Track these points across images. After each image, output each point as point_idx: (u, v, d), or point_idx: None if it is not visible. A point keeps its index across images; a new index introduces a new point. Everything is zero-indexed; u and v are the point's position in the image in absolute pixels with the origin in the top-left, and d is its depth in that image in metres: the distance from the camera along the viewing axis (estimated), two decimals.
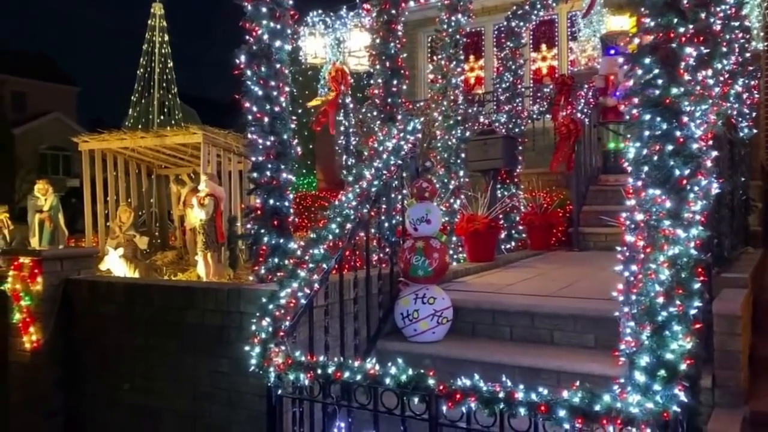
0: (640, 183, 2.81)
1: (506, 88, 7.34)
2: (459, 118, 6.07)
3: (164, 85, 12.50)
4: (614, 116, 7.85)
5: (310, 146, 11.99)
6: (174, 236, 10.20)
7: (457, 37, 6.04)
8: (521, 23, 7.32)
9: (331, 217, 3.62)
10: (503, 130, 7.29)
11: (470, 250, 5.76)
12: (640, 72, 2.81)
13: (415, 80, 11.77)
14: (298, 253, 3.44)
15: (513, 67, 7.35)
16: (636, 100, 2.91)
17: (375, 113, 5.12)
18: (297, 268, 3.36)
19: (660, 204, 2.70)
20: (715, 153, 2.87)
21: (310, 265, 3.37)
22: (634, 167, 2.92)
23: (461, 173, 6.02)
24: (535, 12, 7.34)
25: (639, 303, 2.72)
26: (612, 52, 7.80)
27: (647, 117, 2.80)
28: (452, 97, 6.00)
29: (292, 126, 4.19)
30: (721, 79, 4.12)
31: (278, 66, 3.93)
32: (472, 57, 11.71)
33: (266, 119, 3.92)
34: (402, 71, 5.15)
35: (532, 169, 8.18)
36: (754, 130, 5.90)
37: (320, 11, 6.79)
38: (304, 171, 12.18)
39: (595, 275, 5.19)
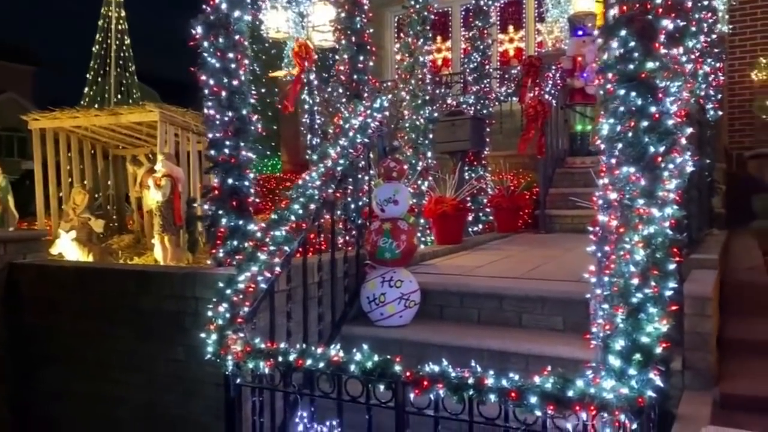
0: (613, 161, 2.72)
1: (474, 69, 7.22)
2: (427, 97, 5.94)
3: (121, 63, 12.03)
4: (581, 98, 7.82)
5: (275, 127, 11.72)
6: (132, 219, 9.86)
7: (425, 14, 5.89)
8: (490, 2, 7.19)
9: (293, 198, 3.46)
10: (471, 112, 7.18)
11: (438, 233, 5.66)
12: (615, 45, 2.70)
13: (382, 61, 11.57)
14: (259, 235, 3.27)
15: (481, 47, 7.22)
16: (610, 75, 2.81)
17: (340, 90, 4.94)
18: (257, 250, 3.19)
19: (634, 182, 2.62)
20: (690, 130, 2.79)
21: (271, 248, 3.21)
22: (607, 144, 2.82)
23: (429, 154, 5.90)
24: None
25: (612, 284, 2.63)
26: (580, 33, 7.74)
27: (622, 92, 2.70)
28: (420, 76, 5.86)
29: (255, 103, 3.99)
30: (692, 57, 4.06)
31: (237, 37, 3.71)
32: (439, 38, 11.56)
33: (224, 93, 3.71)
34: (368, 47, 4.97)
35: (500, 152, 8.11)
36: (719, 113, 5.90)
37: None
38: (269, 152, 11.91)
39: (562, 257, 5.14)
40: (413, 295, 3.88)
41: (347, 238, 4.15)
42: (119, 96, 12.04)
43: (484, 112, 7.24)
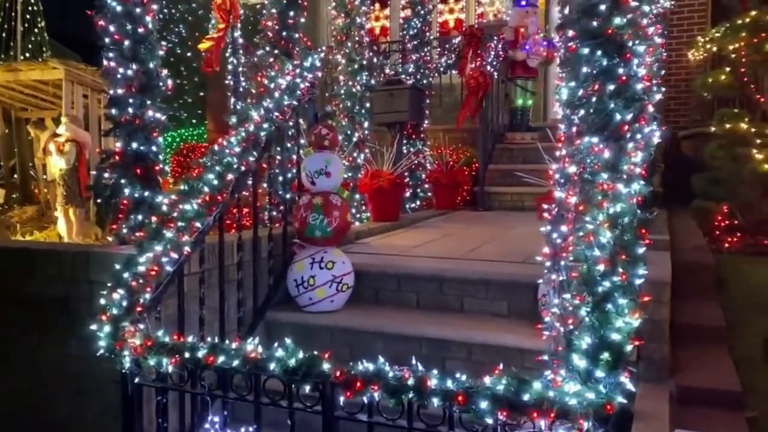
0: (574, 130, 2.40)
1: (414, 36, 6.82)
2: (364, 62, 5.50)
3: (28, 17, 10.90)
4: (522, 71, 7.56)
5: (201, 94, 10.96)
6: (38, 189, 8.97)
7: None
8: None
9: (207, 166, 2.98)
10: (410, 82, 6.79)
11: (374, 209, 5.28)
12: None
13: (316, 28, 10.99)
14: (165, 209, 2.79)
15: (422, 12, 6.82)
16: (571, 32, 2.48)
17: (267, 49, 4.44)
18: (162, 227, 2.71)
19: (597, 154, 2.30)
20: (659, 96, 2.49)
21: (180, 224, 2.74)
22: (566, 111, 2.50)
23: (366, 125, 5.48)
24: None
25: (570, 269, 2.34)
26: (523, 3, 7.45)
27: (585, 51, 2.36)
28: (357, 39, 5.41)
29: (182, 69, 3.45)
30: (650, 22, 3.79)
31: None
32: (377, 5, 11.08)
33: (127, 42, 3.17)
34: (299, 2, 4.48)
35: (438, 125, 7.79)
36: (663, 89, 5.76)
37: None
38: (194, 121, 11.15)
39: (503, 236, 4.87)
40: (346, 278, 3.49)
41: (273, 213, 3.70)
42: (26, 54, 10.93)
43: (424, 82, 6.87)
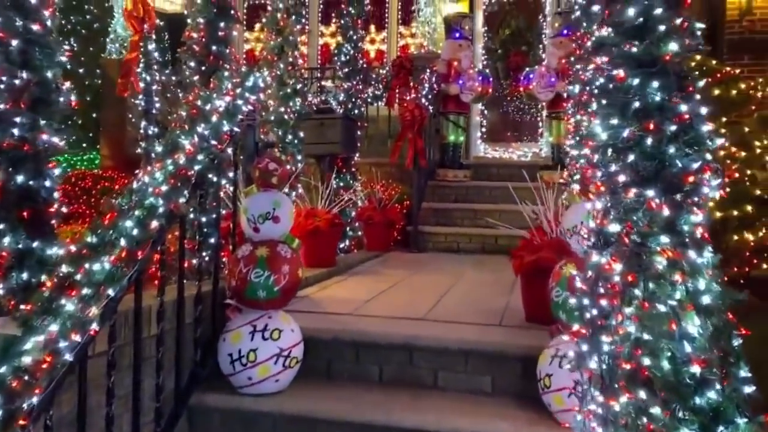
0: (622, 178, 1.90)
1: (346, 62, 6.27)
2: (298, 86, 4.87)
3: None
4: (455, 106, 7.23)
5: (94, 115, 9.77)
6: None
7: None
8: None
9: (125, 210, 2.23)
10: (341, 111, 6.22)
11: (308, 253, 4.59)
12: (630, 11, 1.90)
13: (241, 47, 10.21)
14: (65, 269, 2.01)
15: (354, 37, 6.30)
16: (603, 59, 2.02)
17: (192, 65, 3.72)
18: (60, 296, 1.94)
19: (653, 210, 1.82)
20: (721, 141, 2.06)
21: (86, 292, 1.97)
22: (603, 155, 2.01)
23: (299, 157, 4.83)
24: None
25: (614, 358, 1.84)
26: (456, 35, 7.14)
27: (635, 81, 1.90)
28: (291, 60, 4.78)
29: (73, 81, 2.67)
30: None
31: None
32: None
33: (15, 42, 2.37)
34: (233, 12, 3.80)
35: (367, 159, 7.24)
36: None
37: None
38: (84, 145, 9.91)
39: (459, 286, 4.36)
40: (295, 350, 2.81)
41: (201, 264, 2.96)
42: None
43: (356, 112, 6.32)
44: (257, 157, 3.28)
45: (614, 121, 1.95)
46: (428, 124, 6.64)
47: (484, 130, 9.26)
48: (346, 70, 6.31)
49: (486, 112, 9.17)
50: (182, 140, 2.57)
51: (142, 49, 4.24)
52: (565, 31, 6.79)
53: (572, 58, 3.55)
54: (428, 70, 7.01)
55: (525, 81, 6.92)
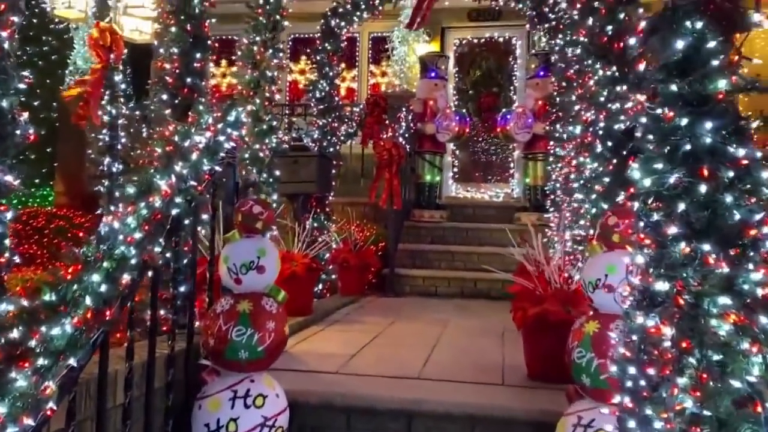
0: (672, 229, 1.69)
1: (321, 99, 6.05)
2: (274, 123, 4.61)
3: None
4: (431, 145, 7.08)
5: (48, 150, 9.27)
6: None
7: (278, 17, 4.61)
8: (342, 23, 6.14)
9: (91, 261, 1.90)
10: (315, 148, 5.97)
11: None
12: (679, 44, 1.70)
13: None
14: (16, 334, 1.67)
15: (330, 74, 6.11)
16: (644, 97, 1.83)
17: (164, 98, 3.42)
18: (10, 368, 1.60)
19: (711, 267, 1.60)
20: None
21: (41, 363, 1.64)
22: (643, 204, 1.80)
23: (274, 197, 4.54)
24: (358, 13, 6.21)
25: None
26: (432, 74, 7.03)
27: (684, 122, 1.70)
28: (267, 95, 4.52)
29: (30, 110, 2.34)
30: None
31: None
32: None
33: None
34: (209, 42, 3.54)
35: (340, 198, 6.99)
36: None
37: None
38: (37, 181, 9.38)
39: (447, 337, 4.08)
40: (281, 419, 2.48)
41: (173, 317, 2.61)
42: None
43: (331, 150, 6.08)
44: (237, 198, 2.98)
45: (658, 166, 1.74)
46: (405, 163, 6.43)
47: (455, 170, 9.15)
48: (321, 106, 6.10)
49: (457, 152, 9.07)
50: (158, 180, 2.26)
51: (106, 81, 3.93)
52: (541, 73, 6.76)
53: (573, 98, 3.41)
54: (404, 109, 6.85)
55: (502, 121, 6.83)
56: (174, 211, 2.23)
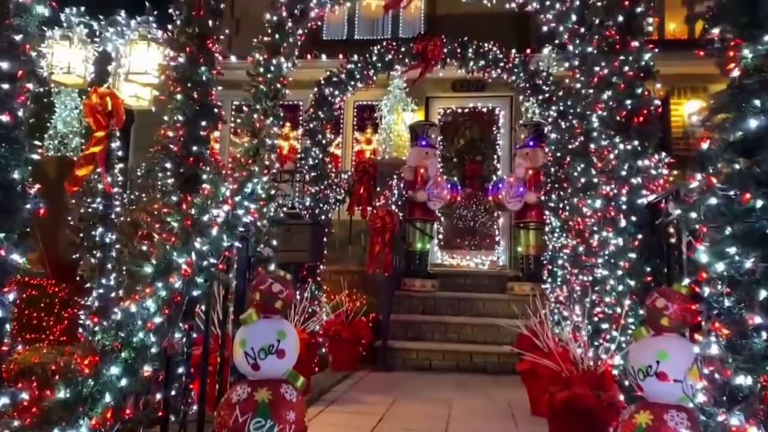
0: (757, 320, 1.57)
1: (314, 166, 5.97)
2: (273, 191, 4.48)
3: None
4: (422, 213, 6.99)
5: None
6: None
7: (278, 86, 4.56)
8: (336, 92, 6.14)
9: (109, 351, 1.71)
10: (308, 216, 5.85)
11: None
12: (752, 123, 1.62)
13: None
14: None
15: (323, 141, 6.06)
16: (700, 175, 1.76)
17: (167, 167, 3.26)
18: None
19: None
20: None
21: None
22: (714, 286, 1.69)
23: (272, 267, 4.34)
24: (352, 82, 6.23)
25: None
26: (423, 143, 7.03)
27: (760, 203, 1.62)
28: (267, 163, 4.41)
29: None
30: None
31: (20, 37, 1.97)
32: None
33: None
34: (217, 110, 3.44)
35: (330, 266, 6.81)
36: None
37: (83, 10, 4.61)
38: None
39: (457, 420, 3.85)
40: None
41: (184, 412, 2.38)
42: None
43: (323, 218, 5.96)
44: (250, 273, 2.81)
45: (731, 249, 1.65)
46: (398, 231, 6.33)
47: (441, 236, 9.09)
48: (314, 174, 6.01)
49: (442, 218, 9.03)
50: (176, 256, 2.09)
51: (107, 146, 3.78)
52: (531, 143, 6.81)
53: (592, 171, 3.37)
54: (395, 176, 6.80)
55: (494, 190, 6.82)
56: (195, 293, 2.05)
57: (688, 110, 8.61)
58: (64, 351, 3.79)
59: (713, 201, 1.68)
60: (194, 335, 2.58)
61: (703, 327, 1.75)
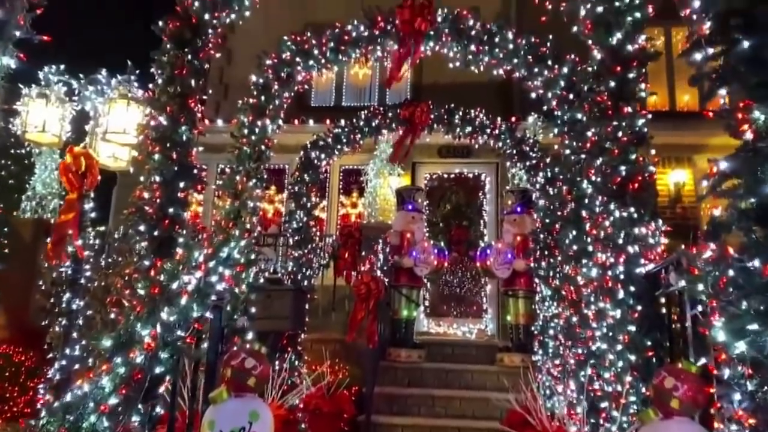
0: None
1: (298, 230, 5.82)
2: (253, 255, 4.29)
3: None
4: (408, 279, 6.79)
5: None
6: None
7: (262, 147, 4.46)
8: (322, 155, 6.06)
9: None
10: (290, 281, 5.65)
11: None
12: None
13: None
14: None
15: (308, 205, 5.93)
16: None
17: (142, 228, 3.09)
18: None
19: None
20: None
21: None
22: (734, 367, 1.53)
23: (249, 336, 4.11)
24: (339, 146, 6.17)
25: None
26: (410, 207, 6.92)
27: None
28: (248, 226, 4.25)
29: None
30: None
31: None
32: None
33: None
34: (196, 171, 3.30)
35: (311, 334, 6.55)
36: None
37: (62, 68, 4.53)
38: None
39: None
40: None
41: None
42: None
43: (305, 283, 5.76)
44: (223, 346, 2.60)
45: (752, 326, 1.50)
46: (384, 298, 6.12)
47: (427, 303, 8.89)
48: (297, 237, 5.85)
49: (429, 285, 8.84)
50: (140, 328, 1.89)
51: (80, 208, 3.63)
52: (519, 209, 6.73)
53: (586, 238, 3.24)
54: (381, 241, 6.66)
55: (481, 256, 6.68)
56: (157, 369, 1.85)
57: (673, 179, 8.66)
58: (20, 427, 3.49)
59: (730, 273, 1.54)
60: (159, 411, 2.35)
61: (723, 413, 1.57)
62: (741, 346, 1.50)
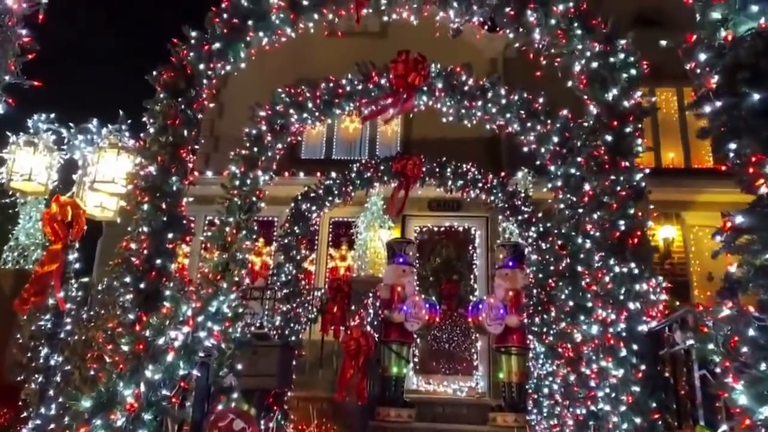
0: None
1: (286, 283, 5.70)
2: (240, 310, 4.16)
3: None
4: (398, 335, 6.65)
5: None
6: None
7: (253, 199, 4.39)
8: (313, 207, 6.01)
9: None
10: (277, 337, 5.49)
11: None
12: None
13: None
14: None
15: (297, 257, 5.83)
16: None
17: (127, 280, 2.98)
18: None
19: None
20: None
21: None
22: None
23: (235, 395, 3.94)
24: (330, 198, 6.13)
25: None
26: (400, 260, 6.84)
27: None
28: (236, 279, 4.13)
29: None
30: None
31: None
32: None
33: None
34: (185, 222, 3.22)
35: (297, 392, 6.34)
36: None
37: (52, 116, 4.46)
38: None
39: None
40: None
41: None
42: None
43: (293, 338, 5.60)
44: (209, 404, 2.46)
45: None
46: (373, 354, 5.96)
47: (416, 360, 8.68)
48: (286, 291, 5.72)
49: (418, 340, 8.66)
50: (122, 387, 1.77)
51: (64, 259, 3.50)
52: (510, 263, 6.67)
53: (587, 294, 3.17)
54: (371, 295, 6.54)
55: (473, 312, 6.57)
56: None
57: (662, 235, 8.66)
58: None
59: (750, 332, 1.46)
60: None
61: None
62: (766, 411, 1.41)
